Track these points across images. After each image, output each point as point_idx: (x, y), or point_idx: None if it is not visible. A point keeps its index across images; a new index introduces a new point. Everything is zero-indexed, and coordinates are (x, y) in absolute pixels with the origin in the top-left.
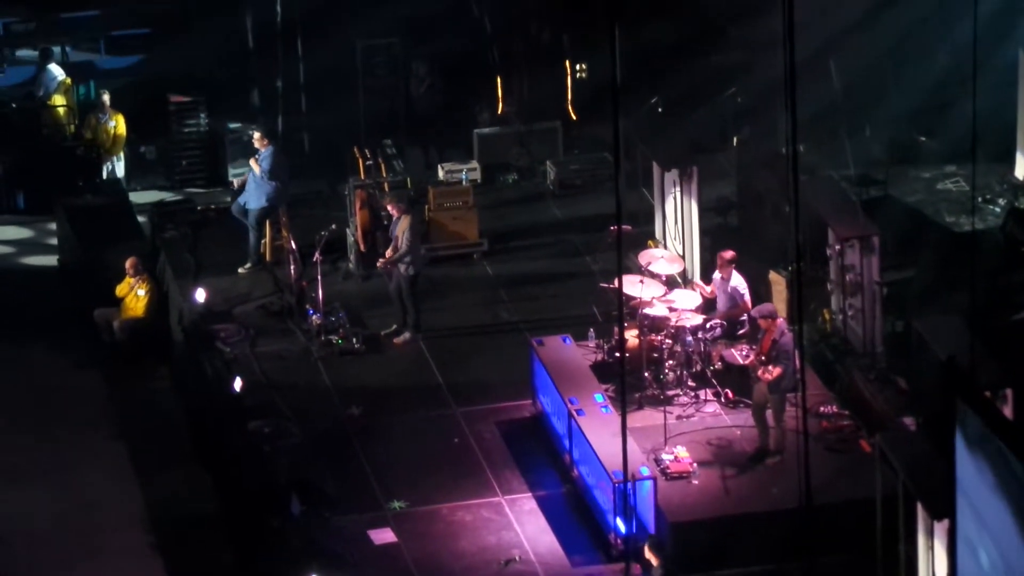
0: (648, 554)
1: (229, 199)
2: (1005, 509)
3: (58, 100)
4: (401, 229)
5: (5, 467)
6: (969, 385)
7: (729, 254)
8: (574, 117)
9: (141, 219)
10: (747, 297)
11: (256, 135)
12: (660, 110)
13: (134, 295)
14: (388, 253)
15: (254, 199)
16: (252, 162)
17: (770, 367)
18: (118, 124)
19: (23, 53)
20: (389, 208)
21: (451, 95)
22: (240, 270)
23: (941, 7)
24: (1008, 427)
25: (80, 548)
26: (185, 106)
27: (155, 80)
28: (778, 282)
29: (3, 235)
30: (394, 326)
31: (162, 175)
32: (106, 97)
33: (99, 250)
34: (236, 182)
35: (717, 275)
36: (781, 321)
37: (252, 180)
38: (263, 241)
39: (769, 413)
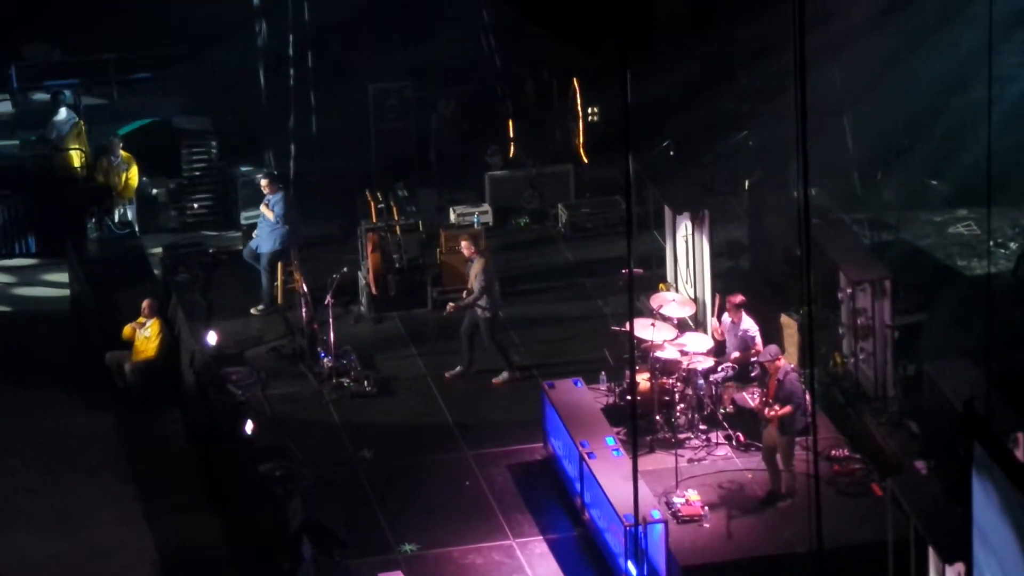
0: None
1: (240, 246)
2: (1012, 538)
3: (70, 143)
4: (475, 271)
5: (16, 510)
6: (986, 429)
7: (738, 298)
8: (585, 160)
9: (153, 262)
10: (759, 340)
11: (263, 181)
12: (672, 153)
13: (144, 338)
14: (464, 294)
15: (266, 243)
16: (264, 208)
17: (776, 406)
18: (131, 168)
19: (36, 96)
20: (463, 248)
21: (463, 138)
22: (252, 311)
23: (954, 52)
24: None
25: None
26: (197, 149)
27: (167, 123)
28: (789, 325)
29: (15, 278)
30: (458, 367)
31: (174, 218)
32: (117, 140)
33: (111, 293)
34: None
35: (727, 318)
36: (782, 362)
37: (264, 224)
38: (275, 284)
39: (779, 457)
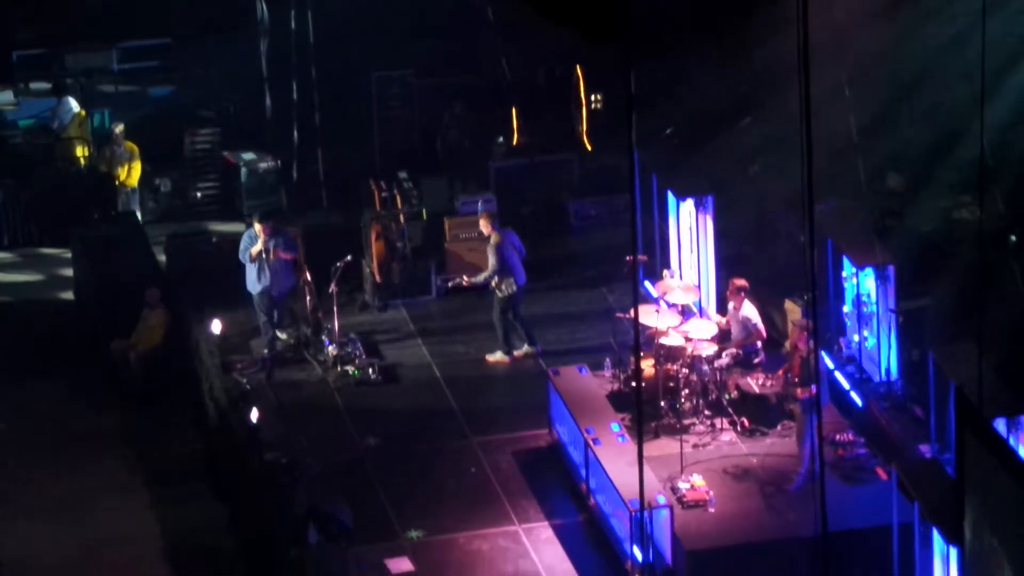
0: None
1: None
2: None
3: (73, 132)
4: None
5: (22, 500)
6: (977, 415)
7: (740, 282)
8: (589, 148)
9: (157, 251)
10: (759, 326)
11: (257, 226)
12: (675, 140)
13: (149, 327)
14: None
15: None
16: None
17: (807, 387)
18: (134, 157)
19: (37, 85)
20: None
21: (468, 128)
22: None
23: (958, 37)
24: (1014, 460)
25: None
26: (200, 138)
27: (171, 112)
28: (793, 311)
29: (19, 268)
30: (525, 347)
31: (177, 207)
32: (119, 129)
33: (115, 282)
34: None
35: (731, 304)
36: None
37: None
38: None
39: (792, 439)
